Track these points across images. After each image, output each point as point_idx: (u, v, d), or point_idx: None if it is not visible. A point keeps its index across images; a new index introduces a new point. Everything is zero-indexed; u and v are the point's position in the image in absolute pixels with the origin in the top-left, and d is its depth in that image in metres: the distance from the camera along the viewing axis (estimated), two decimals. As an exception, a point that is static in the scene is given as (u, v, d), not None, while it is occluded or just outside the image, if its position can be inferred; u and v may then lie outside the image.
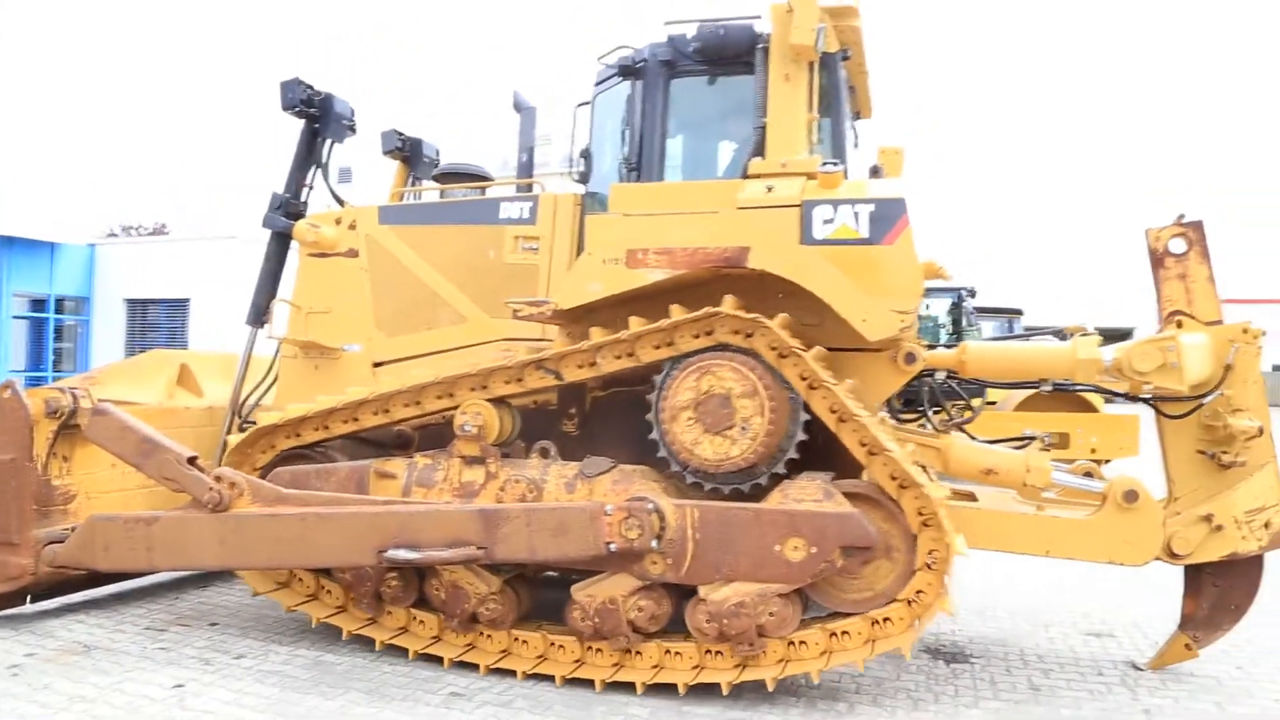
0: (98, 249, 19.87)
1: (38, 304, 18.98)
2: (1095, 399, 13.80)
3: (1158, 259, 5.31)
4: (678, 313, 4.82)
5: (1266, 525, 5.07)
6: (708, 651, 4.79)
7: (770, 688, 4.65)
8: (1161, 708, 4.84)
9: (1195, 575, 5.30)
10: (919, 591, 4.58)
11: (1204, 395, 5.13)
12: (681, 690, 4.70)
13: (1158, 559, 5.10)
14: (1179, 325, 5.19)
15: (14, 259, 17.86)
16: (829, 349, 5.04)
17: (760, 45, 5.36)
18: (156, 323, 19.04)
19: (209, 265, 18.06)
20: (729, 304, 4.78)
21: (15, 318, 18.43)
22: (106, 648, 5.32)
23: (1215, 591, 5.28)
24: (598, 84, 6.15)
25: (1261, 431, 5.05)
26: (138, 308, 19.23)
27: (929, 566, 4.56)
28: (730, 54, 5.50)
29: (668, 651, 4.85)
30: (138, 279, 19.08)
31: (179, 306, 18.67)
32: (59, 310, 19.17)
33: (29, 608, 5.92)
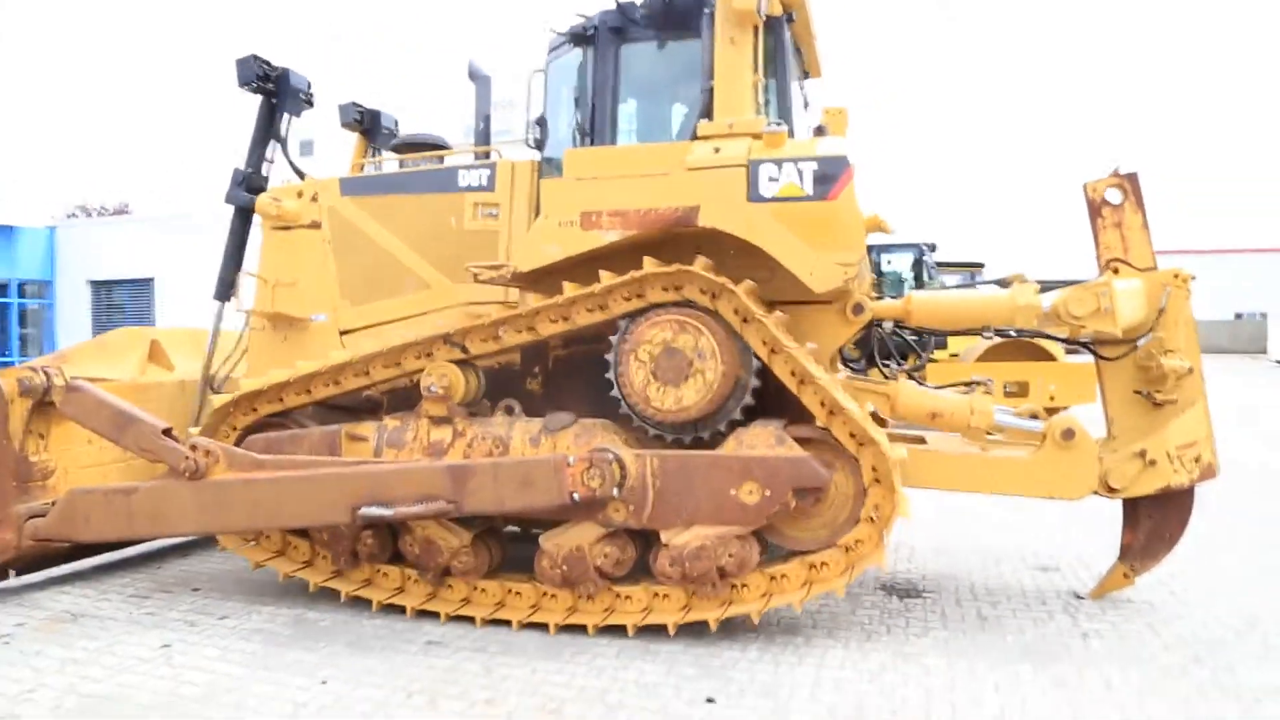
0: (58, 231, 19.66)
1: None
2: (1055, 348, 14.19)
3: (1095, 209, 5.55)
4: (649, 265, 5.01)
5: (1197, 459, 5.36)
6: (657, 595, 5.05)
7: (713, 628, 4.93)
8: (1099, 631, 5.14)
9: (1132, 508, 5.59)
10: (857, 541, 4.84)
11: (1138, 338, 5.41)
12: (630, 632, 4.96)
13: (1096, 494, 5.40)
14: (1115, 272, 5.45)
15: (-26, 244, 17.71)
16: (781, 303, 5.27)
17: (706, 10, 5.50)
18: (122, 303, 18.94)
19: (172, 244, 17.97)
20: (700, 264, 4.97)
21: (-22, 303, 18.33)
22: (93, 615, 5.49)
23: (1150, 523, 5.57)
24: (550, 51, 6.28)
25: (1191, 370, 5.33)
26: (102, 289, 19.11)
27: (871, 519, 4.83)
28: (677, 19, 5.65)
29: (618, 595, 5.11)
30: (101, 260, 18.94)
31: (144, 286, 18.57)
32: (21, 294, 19.02)
33: (14, 581, 6.07)
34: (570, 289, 5.13)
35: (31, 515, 5.63)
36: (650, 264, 5.00)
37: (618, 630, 5.03)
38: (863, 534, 4.84)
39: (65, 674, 4.55)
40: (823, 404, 4.85)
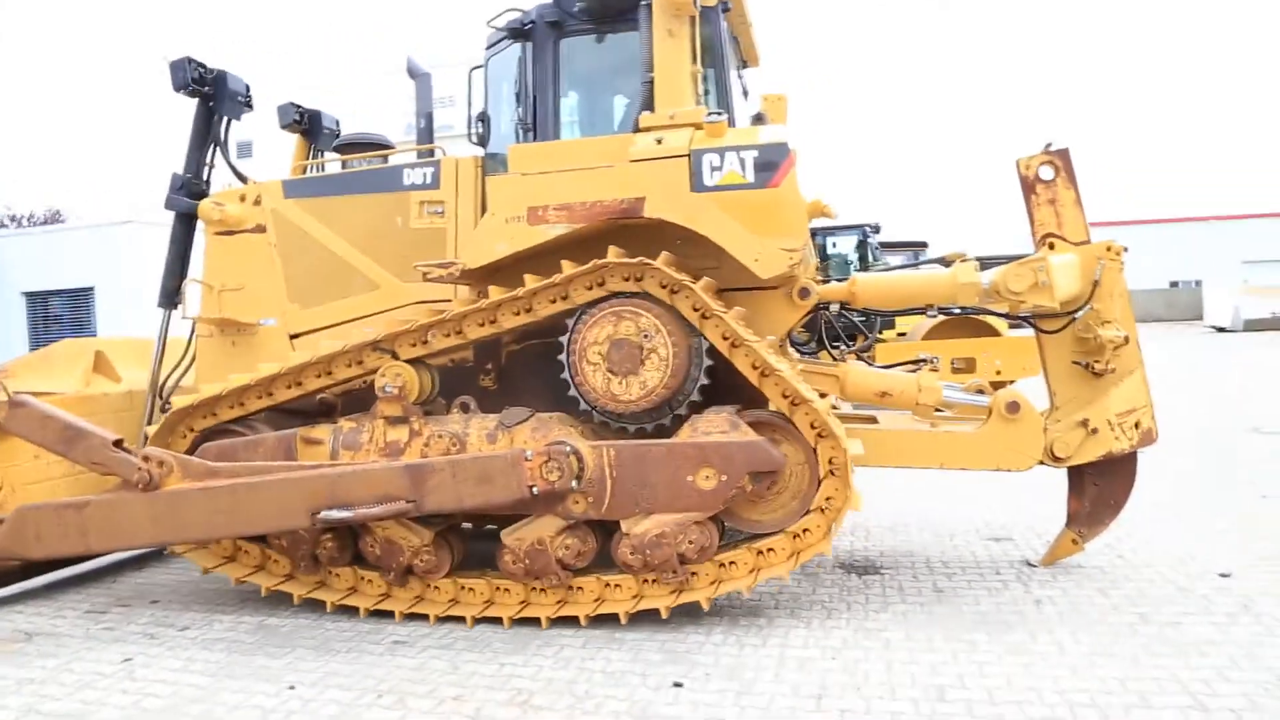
0: (-9, 242, 19.16)
1: (-69, 304, 18.30)
2: (1000, 324, 14.49)
3: (1029, 185, 5.69)
4: (568, 268, 5.04)
5: (1137, 425, 5.55)
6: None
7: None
8: (1052, 598, 5.30)
9: (1078, 476, 5.77)
10: (828, 498, 4.92)
11: (1075, 310, 5.57)
12: (623, 619, 5.01)
13: (1042, 463, 5.56)
14: (1050, 247, 5.60)
15: (-99, 258, 17.17)
16: (729, 290, 5.34)
17: (643, 2, 5.52)
18: (60, 314, 18.48)
19: (111, 251, 17.58)
20: (613, 253, 5.02)
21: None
22: (49, 633, 5.40)
23: (1095, 490, 5.75)
24: (489, 47, 6.27)
25: (1128, 340, 5.51)
26: (38, 300, 18.62)
27: (832, 473, 4.91)
28: (614, 12, 5.67)
29: (570, 587, 5.16)
30: (36, 270, 18.45)
31: (82, 296, 18.14)
32: (-45, 308, 18.51)
33: (-38, 603, 5.96)
34: (496, 293, 5.17)
35: (-21, 535, 5.51)
36: (614, 253, 5.04)
37: (595, 621, 5.07)
38: (811, 523, 4.93)
39: (22, 694, 4.47)
40: (785, 395, 4.92)
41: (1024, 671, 4.25)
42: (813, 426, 4.89)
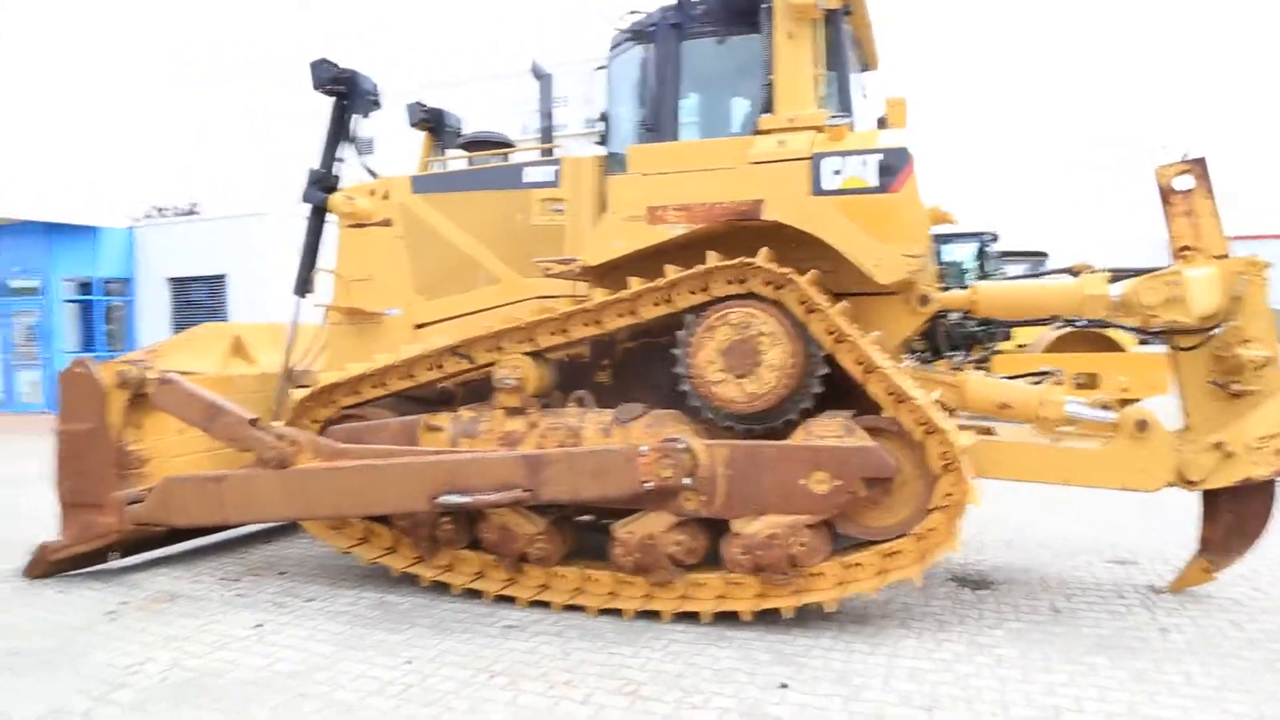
0: (136, 231, 20.38)
1: (84, 287, 19.58)
2: (1126, 339, 13.92)
3: (1165, 196, 5.47)
4: (713, 259, 5.08)
5: (1278, 451, 5.27)
6: (731, 582, 5.12)
7: (788, 615, 4.99)
8: (1179, 625, 5.07)
9: (1211, 501, 5.49)
10: (930, 529, 4.85)
11: (1212, 327, 5.33)
12: (703, 619, 5.04)
13: (1173, 485, 5.33)
14: (1187, 260, 5.37)
15: (60, 245, 18.43)
16: (846, 294, 5.30)
17: (764, 4, 5.52)
18: (198, 299, 19.56)
19: (242, 242, 18.52)
20: (763, 256, 5.02)
21: (65, 301, 19.06)
22: (189, 596, 5.77)
23: (1231, 517, 5.46)
24: (612, 49, 6.37)
25: (1270, 360, 5.24)
26: (179, 286, 19.76)
27: (943, 508, 4.83)
28: (736, 14, 5.70)
29: (693, 583, 5.21)
30: (177, 258, 19.59)
31: (217, 282, 19.16)
32: (105, 292, 19.78)
33: (114, 563, 6.42)
34: (636, 284, 5.23)
35: (130, 501, 5.92)
36: (714, 258, 5.07)
37: (690, 618, 5.12)
38: (935, 522, 4.85)
39: (169, 649, 4.80)
40: (889, 392, 4.87)
41: (1148, 700, 4.09)
42: (919, 423, 4.82)
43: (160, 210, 32.64)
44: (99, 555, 6.25)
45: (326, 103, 6.96)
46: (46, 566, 6.13)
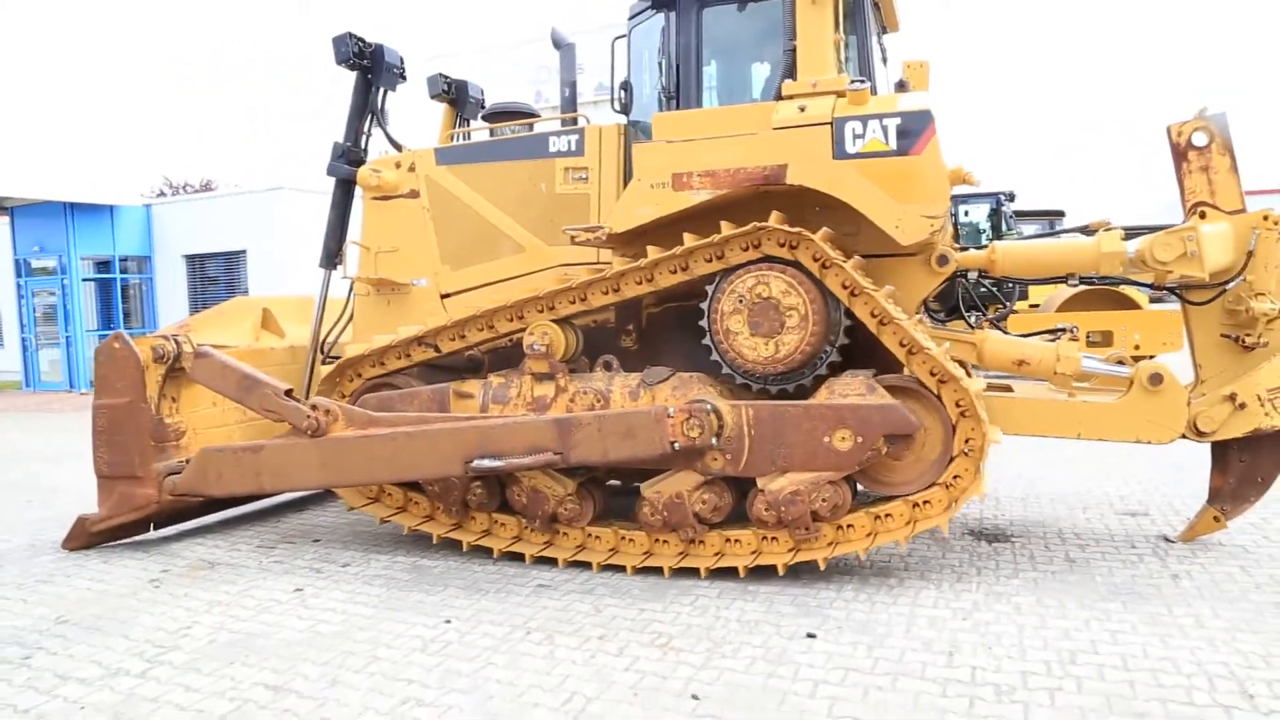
0: (153, 209, 20.51)
1: (103, 265, 19.76)
2: (1140, 297, 13.96)
3: (1180, 153, 5.52)
4: (727, 229, 5.20)
5: (1289, 402, 5.38)
6: (765, 538, 5.28)
7: (822, 567, 5.16)
8: (1190, 573, 5.23)
9: (1222, 452, 5.63)
10: (956, 476, 5.00)
11: (1226, 282, 5.41)
12: (742, 573, 5.21)
13: (1185, 438, 5.45)
14: (1202, 216, 5.44)
15: (78, 224, 18.59)
16: (867, 256, 5.41)
17: None
18: (215, 275, 19.72)
19: (260, 217, 18.63)
20: (774, 219, 5.14)
21: (84, 280, 19.25)
22: (228, 563, 5.96)
23: (1241, 466, 5.60)
24: (631, 18, 6.44)
25: (1282, 314, 5.33)
26: (196, 262, 19.91)
27: (965, 454, 4.97)
28: None
29: (728, 539, 5.36)
30: (194, 235, 19.72)
31: (236, 258, 19.31)
32: (123, 270, 19.96)
33: (153, 534, 6.62)
34: (654, 252, 5.36)
35: (169, 473, 6.10)
36: (727, 227, 5.19)
37: (717, 573, 5.29)
38: (960, 469, 5.00)
39: (213, 613, 4.99)
40: (902, 343, 5.00)
41: (1160, 642, 4.24)
42: (958, 405, 4.95)
43: (174, 187, 32.82)
44: (138, 526, 6.44)
45: (333, 93, 7.02)
46: (86, 539, 6.33)
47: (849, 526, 5.15)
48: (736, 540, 5.34)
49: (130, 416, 6.10)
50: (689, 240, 5.27)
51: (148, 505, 6.14)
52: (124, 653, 4.48)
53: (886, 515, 5.11)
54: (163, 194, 32.43)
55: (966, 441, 4.97)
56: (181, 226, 19.85)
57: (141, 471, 6.10)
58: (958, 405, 4.97)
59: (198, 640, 4.61)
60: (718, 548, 5.37)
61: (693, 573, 5.33)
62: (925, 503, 5.05)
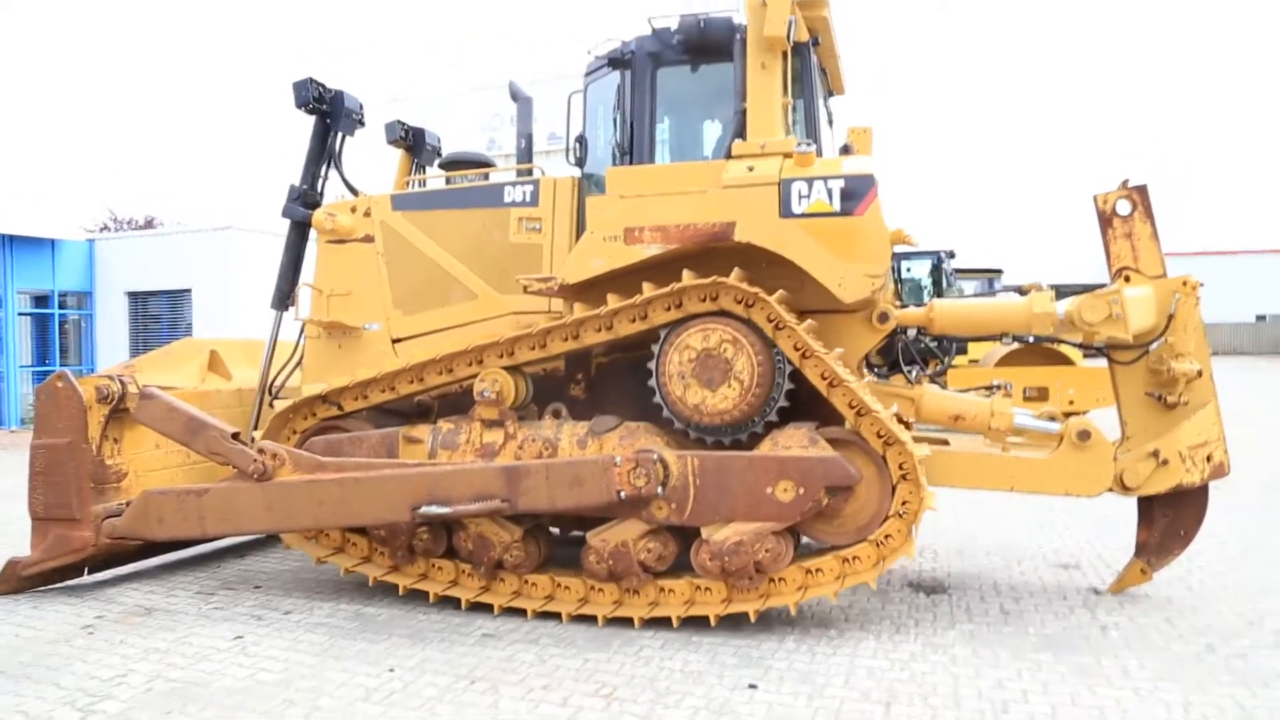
0: (97, 244, 20.14)
1: (41, 300, 19.29)
2: (1074, 353, 14.42)
3: (1105, 220, 5.81)
4: (688, 278, 5.32)
5: (1209, 458, 5.62)
6: (698, 588, 5.36)
7: (753, 619, 5.23)
8: (1118, 624, 5.41)
9: (1147, 506, 5.86)
10: (887, 536, 5.14)
11: (1149, 343, 5.67)
12: (675, 623, 5.26)
13: (1112, 491, 5.66)
14: (1126, 280, 5.72)
15: (17, 257, 18.16)
16: (811, 312, 5.59)
17: (738, 36, 5.81)
18: (158, 314, 19.36)
19: (207, 256, 18.39)
20: (735, 276, 5.27)
21: (20, 314, 18.76)
22: (165, 609, 5.85)
23: (1165, 521, 5.83)
24: (588, 74, 6.61)
25: (1201, 374, 5.59)
26: (139, 300, 19.54)
27: (900, 515, 5.12)
28: (711, 45, 5.96)
29: (662, 589, 5.43)
30: (138, 272, 19.37)
31: (181, 297, 19.00)
32: (62, 305, 19.51)
33: (87, 579, 6.47)
34: (613, 300, 5.46)
35: (108, 515, 6.00)
36: (688, 276, 5.32)
37: (660, 624, 5.34)
38: (892, 529, 5.13)
39: (150, 661, 4.91)
40: (851, 405, 5.15)
41: (1088, 692, 4.39)
42: (879, 435, 5.10)
43: (118, 221, 32.27)
44: (72, 570, 6.30)
45: (292, 128, 7.09)
46: (16, 582, 6.17)
47: (780, 580, 5.25)
48: (671, 590, 5.40)
49: (70, 457, 6.00)
50: (648, 289, 5.39)
51: (84, 548, 6.02)
52: (55, 702, 4.39)
53: (817, 570, 5.22)
54: (106, 228, 31.87)
55: (904, 504, 5.11)
56: (125, 263, 19.50)
57: (79, 514, 5.99)
58: (900, 468, 5.11)
59: (133, 689, 4.53)
60: (652, 597, 5.43)
61: (645, 622, 5.36)
62: (887, 537, 5.16)
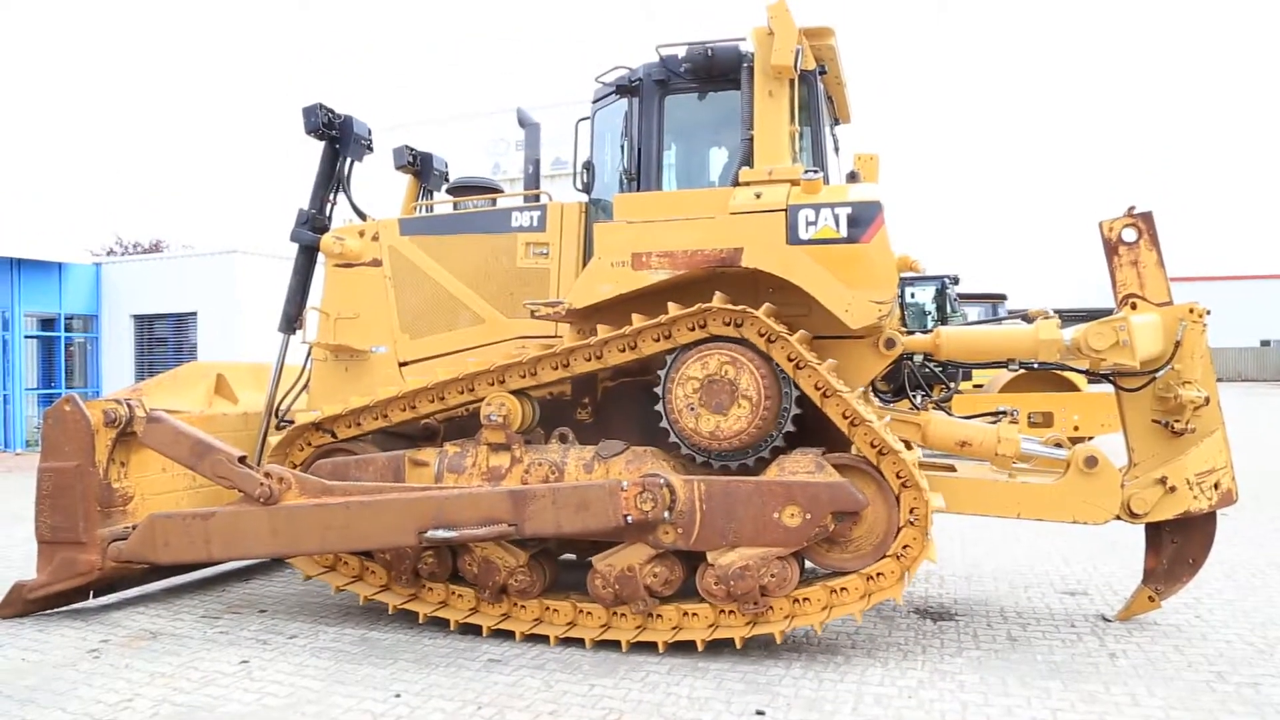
0: (103, 267, 20.25)
1: (47, 323, 19.37)
2: (1079, 379, 14.42)
3: (1111, 248, 5.85)
4: (674, 309, 5.36)
5: (1216, 485, 5.62)
6: (722, 611, 5.33)
7: (779, 640, 5.23)
8: (1126, 652, 5.38)
9: (1155, 533, 5.85)
10: (905, 546, 5.12)
11: (1156, 370, 5.69)
12: (700, 646, 5.24)
13: (1119, 519, 5.66)
14: (1133, 307, 5.74)
15: (24, 280, 18.26)
16: (817, 337, 5.61)
17: (745, 65, 5.88)
18: (164, 336, 19.42)
19: (213, 279, 18.47)
20: (718, 299, 5.31)
21: (27, 337, 18.83)
22: (171, 634, 5.84)
23: (1173, 548, 5.82)
24: (596, 101, 6.68)
25: (1208, 401, 5.60)
26: (145, 323, 19.61)
27: (911, 523, 5.11)
28: (718, 73, 6.03)
29: (686, 614, 5.40)
30: (144, 295, 19.46)
31: (186, 320, 19.06)
32: (68, 328, 19.59)
33: (92, 602, 6.46)
34: (604, 331, 5.52)
35: (114, 539, 6.00)
36: (674, 308, 5.35)
37: (678, 650, 5.31)
38: (886, 568, 5.13)
39: (156, 685, 4.89)
40: (845, 415, 5.16)
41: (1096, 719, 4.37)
42: (898, 476, 5.10)
43: (124, 245, 32.46)
44: (77, 594, 6.30)
45: (302, 154, 7.16)
46: (22, 605, 6.16)
47: (805, 600, 5.23)
48: (694, 614, 5.39)
49: (77, 480, 6.01)
50: (637, 320, 5.42)
51: (90, 572, 6.02)
52: (60, 726, 4.37)
53: (842, 589, 5.20)
54: (112, 251, 32.05)
55: (911, 511, 5.10)
56: (131, 286, 19.58)
57: (85, 537, 5.99)
58: (898, 476, 5.11)
59: (139, 714, 4.51)
60: (675, 621, 5.41)
61: (647, 647, 5.35)
62: (880, 575, 5.15)
